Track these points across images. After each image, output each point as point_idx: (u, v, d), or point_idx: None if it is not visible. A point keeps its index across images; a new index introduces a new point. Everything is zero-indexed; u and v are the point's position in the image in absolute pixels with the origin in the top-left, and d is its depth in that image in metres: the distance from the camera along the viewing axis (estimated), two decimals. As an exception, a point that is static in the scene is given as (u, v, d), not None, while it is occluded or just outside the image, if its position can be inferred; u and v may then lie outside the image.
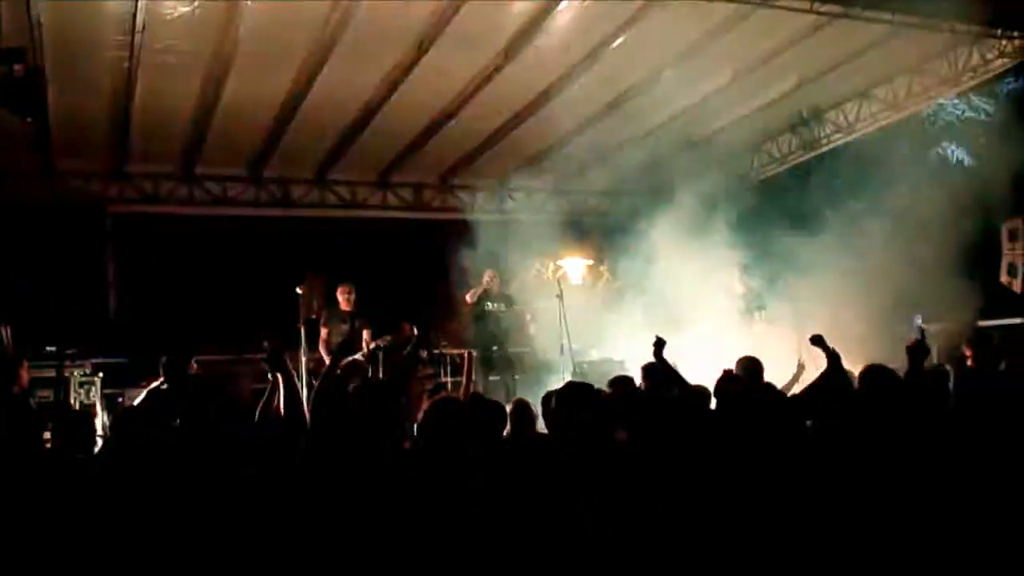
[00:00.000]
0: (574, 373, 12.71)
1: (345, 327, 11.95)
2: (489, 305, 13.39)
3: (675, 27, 11.27)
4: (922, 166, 11.35)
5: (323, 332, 12.05)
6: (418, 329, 14.30)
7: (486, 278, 13.50)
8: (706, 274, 12.92)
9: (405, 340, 13.97)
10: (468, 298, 13.41)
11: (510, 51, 11.53)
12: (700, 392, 7.12)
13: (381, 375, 13.15)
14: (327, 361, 11.71)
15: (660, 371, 7.59)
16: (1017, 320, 11.43)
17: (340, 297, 12.11)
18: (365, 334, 11.96)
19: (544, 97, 13.04)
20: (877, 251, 11.61)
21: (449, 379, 14.31)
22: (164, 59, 10.90)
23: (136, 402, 7.95)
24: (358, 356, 11.89)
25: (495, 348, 13.25)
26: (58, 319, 11.68)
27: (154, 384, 8.65)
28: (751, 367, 7.60)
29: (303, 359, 12.01)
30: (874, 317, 11.36)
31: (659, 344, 7.75)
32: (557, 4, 10.49)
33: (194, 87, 11.90)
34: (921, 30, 11.64)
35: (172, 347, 9.60)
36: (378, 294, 13.28)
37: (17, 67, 8.21)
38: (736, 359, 7.73)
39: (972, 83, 12.59)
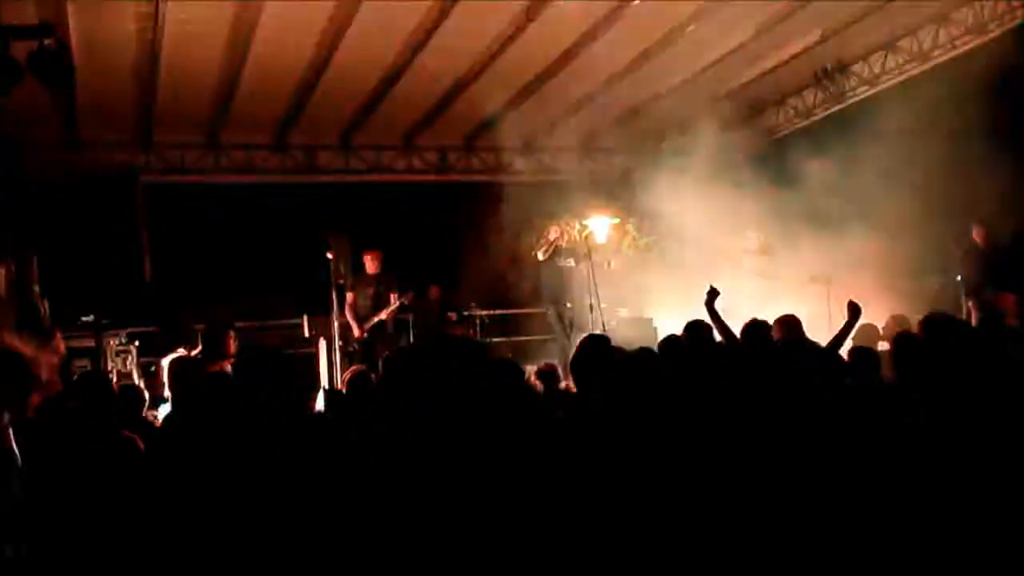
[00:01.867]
0: (603, 332, 12.75)
1: (371, 290, 12.04)
2: (559, 261, 13.18)
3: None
4: (954, 119, 11.23)
5: (349, 297, 12.13)
6: (446, 291, 14.51)
7: (554, 233, 13.31)
8: (732, 230, 12.90)
9: (434, 302, 14.16)
10: (541, 255, 13.23)
11: (533, 10, 11.49)
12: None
13: (411, 337, 13.32)
14: (354, 325, 11.91)
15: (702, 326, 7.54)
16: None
17: (367, 261, 12.15)
18: (392, 296, 12.03)
19: (567, 56, 12.98)
20: (906, 204, 11.56)
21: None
22: (187, 28, 10.95)
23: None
24: (385, 315, 12.00)
25: (552, 307, 13.19)
26: (95, 289, 11.82)
27: (193, 352, 8.76)
28: (791, 323, 7.58)
29: (335, 323, 12.14)
30: (902, 270, 11.36)
31: (712, 294, 7.79)
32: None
33: (218, 55, 11.94)
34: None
35: (208, 316, 9.72)
36: (405, 257, 13.35)
37: (47, 40, 8.28)
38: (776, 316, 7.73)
39: (998, 31, 12.44)
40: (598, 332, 7.02)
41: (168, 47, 11.35)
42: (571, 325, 12.88)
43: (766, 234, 13.02)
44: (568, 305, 13.08)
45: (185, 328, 11.43)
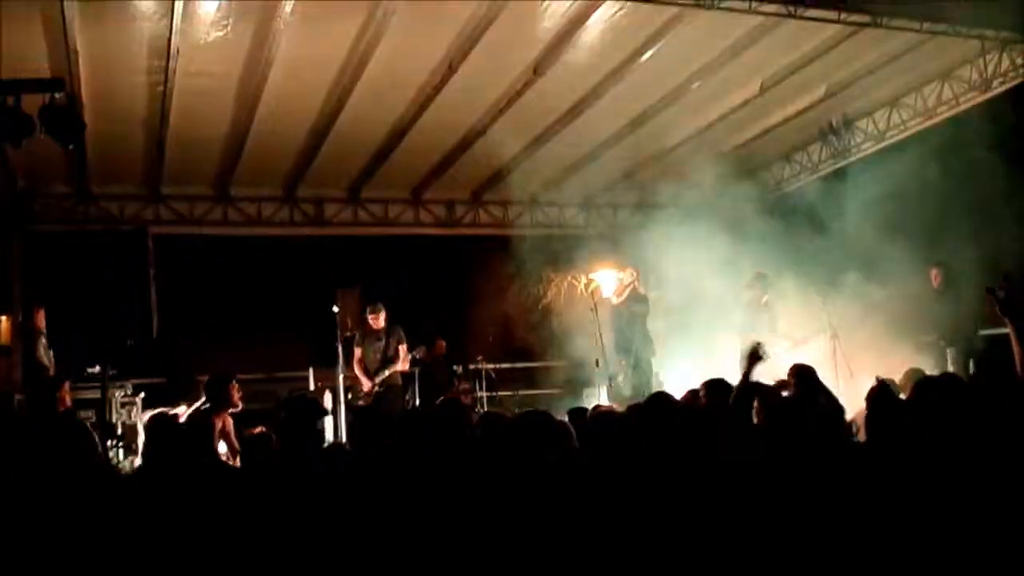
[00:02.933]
0: (609, 387, 12.74)
1: (380, 344, 12.02)
2: (633, 306, 13.06)
3: (703, 39, 11.31)
4: (947, 176, 11.38)
5: (358, 352, 12.11)
6: (453, 345, 14.53)
7: (629, 276, 13.25)
8: (739, 285, 12.90)
9: (440, 356, 14.16)
10: (615, 299, 13.19)
11: (540, 67, 11.60)
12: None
13: (417, 390, 13.30)
14: (364, 380, 11.90)
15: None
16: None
17: (370, 318, 12.11)
18: (402, 349, 12.00)
19: (574, 112, 13.09)
20: (905, 261, 11.63)
21: (485, 393, 14.38)
22: (198, 82, 11.09)
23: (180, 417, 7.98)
24: (400, 367, 11.97)
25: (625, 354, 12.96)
26: (102, 341, 11.85)
27: (196, 404, 8.76)
28: (806, 375, 7.37)
29: (340, 376, 12.15)
30: (900, 328, 11.37)
31: (754, 357, 7.39)
32: (587, 19, 10.55)
33: (228, 109, 12.07)
34: (950, 36, 11.63)
35: (213, 367, 9.72)
36: (412, 311, 13.37)
37: (58, 95, 8.37)
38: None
39: (1002, 88, 12.54)
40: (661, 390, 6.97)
41: (178, 100, 11.46)
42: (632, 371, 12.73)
43: (772, 288, 13.01)
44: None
45: (190, 381, 11.46)
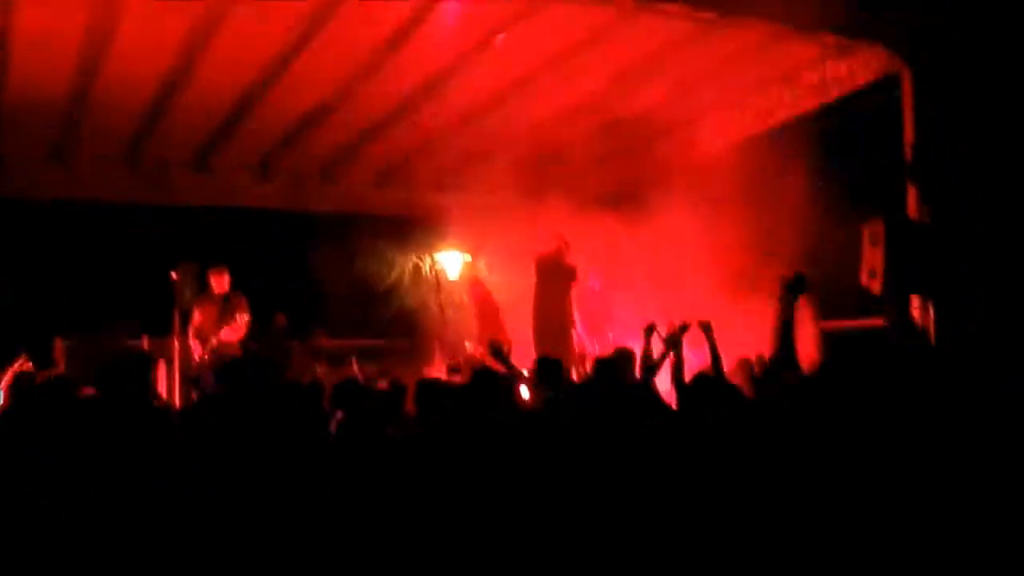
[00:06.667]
0: (449, 367, 12.82)
1: (215, 309, 11.84)
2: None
3: (551, 30, 11.42)
4: (786, 172, 11.76)
5: (197, 316, 11.90)
6: (292, 319, 14.36)
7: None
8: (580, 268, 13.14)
9: (279, 330, 14.00)
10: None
11: (395, 42, 11.55)
12: None
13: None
14: (195, 346, 11.70)
15: None
16: (878, 322, 11.89)
17: (212, 281, 11.93)
18: (240, 317, 11.79)
19: (426, 92, 13.07)
20: (742, 252, 11.98)
21: (326, 369, 14.25)
22: (37, 38, 10.71)
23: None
24: (230, 336, 11.78)
25: None
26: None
27: (18, 364, 8.49)
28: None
29: (176, 346, 11.94)
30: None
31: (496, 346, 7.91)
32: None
33: (68, 69, 11.66)
34: (792, 41, 11.98)
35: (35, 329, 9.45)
36: (255, 284, 13.21)
37: None
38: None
39: (839, 94, 12.99)
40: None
41: (16, 57, 11.09)
42: None
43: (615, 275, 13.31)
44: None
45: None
